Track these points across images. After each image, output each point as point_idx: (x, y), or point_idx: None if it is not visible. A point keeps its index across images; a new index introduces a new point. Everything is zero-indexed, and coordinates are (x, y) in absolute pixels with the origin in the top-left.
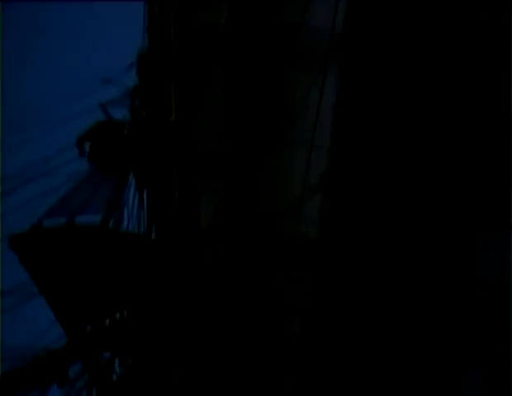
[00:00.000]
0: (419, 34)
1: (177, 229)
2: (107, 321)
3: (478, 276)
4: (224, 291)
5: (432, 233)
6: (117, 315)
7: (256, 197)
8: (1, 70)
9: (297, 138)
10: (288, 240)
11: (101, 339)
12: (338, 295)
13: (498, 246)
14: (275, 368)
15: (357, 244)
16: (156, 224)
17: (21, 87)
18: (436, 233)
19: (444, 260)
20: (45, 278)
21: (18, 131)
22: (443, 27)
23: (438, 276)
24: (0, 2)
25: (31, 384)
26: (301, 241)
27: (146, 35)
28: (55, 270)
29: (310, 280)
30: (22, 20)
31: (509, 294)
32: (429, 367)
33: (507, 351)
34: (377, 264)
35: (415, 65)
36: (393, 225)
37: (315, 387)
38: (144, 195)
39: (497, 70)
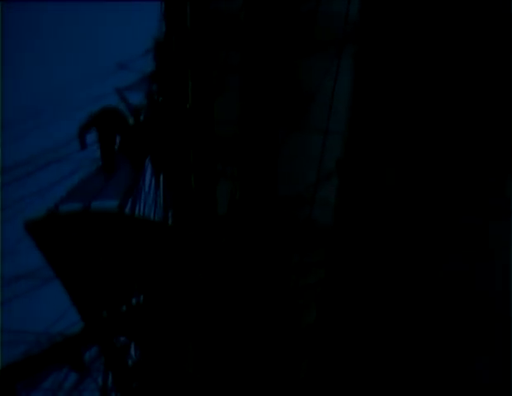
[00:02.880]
0: (438, 22)
1: (193, 215)
2: (123, 306)
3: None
4: (239, 277)
5: (444, 221)
6: (133, 300)
7: (272, 183)
8: (0, 62)
9: (313, 124)
10: (304, 225)
11: (117, 324)
12: (355, 281)
13: (498, 232)
14: (290, 353)
15: (373, 230)
16: (172, 210)
17: (38, 73)
18: (448, 221)
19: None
20: (62, 263)
21: (35, 117)
22: (460, 16)
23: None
24: (0, 1)
25: (47, 368)
26: (316, 226)
27: (163, 21)
28: (72, 255)
29: (327, 266)
30: (34, 5)
31: (509, 286)
32: (443, 349)
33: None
34: (393, 251)
35: (432, 52)
36: (408, 211)
37: (330, 373)
38: (161, 181)
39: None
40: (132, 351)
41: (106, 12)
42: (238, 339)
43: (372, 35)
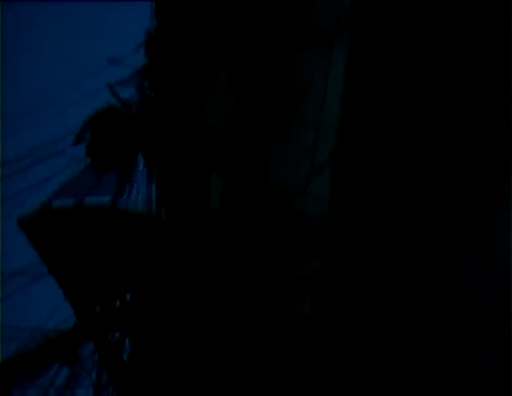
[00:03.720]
0: (434, 14)
1: (185, 209)
2: (117, 301)
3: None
4: (232, 270)
5: (441, 216)
6: (127, 295)
7: (264, 176)
8: (0, 61)
9: (307, 117)
10: (297, 218)
11: (111, 319)
12: (349, 274)
13: (498, 228)
14: (284, 345)
15: (367, 222)
16: (165, 204)
17: (32, 70)
18: (444, 216)
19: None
20: (55, 258)
21: (28, 114)
22: (456, 9)
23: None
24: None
25: (41, 364)
26: (309, 219)
27: (154, 16)
28: (65, 250)
29: (321, 259)
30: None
31: (509, 283)
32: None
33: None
34: (387, 243)
35: (428, 43)
36: (402, 204)
37: (324, 365)
38: (154, 175)
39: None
40: (127, 347)
41: (99, 10)
42: (232, 332)
43: (366, 27)
